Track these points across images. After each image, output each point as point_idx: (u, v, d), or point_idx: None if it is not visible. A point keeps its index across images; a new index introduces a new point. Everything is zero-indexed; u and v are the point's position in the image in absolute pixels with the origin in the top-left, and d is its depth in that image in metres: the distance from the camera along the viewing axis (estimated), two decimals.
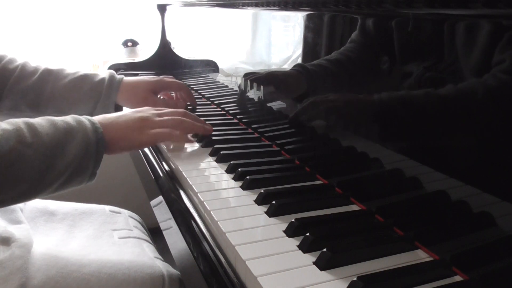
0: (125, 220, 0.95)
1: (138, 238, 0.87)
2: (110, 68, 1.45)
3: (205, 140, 0.80)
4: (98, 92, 0.93)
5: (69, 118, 0.66)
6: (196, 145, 0.81)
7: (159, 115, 0.75)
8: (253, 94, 0.89)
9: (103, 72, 0.97)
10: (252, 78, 0.88)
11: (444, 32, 0.45)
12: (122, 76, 0.97)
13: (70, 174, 0.63)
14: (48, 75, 0.93)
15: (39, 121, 0.63)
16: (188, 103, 1.04)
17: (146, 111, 0.75)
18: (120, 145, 0.70)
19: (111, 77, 0.94)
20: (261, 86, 0.85)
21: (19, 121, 0.61)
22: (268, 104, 0.83)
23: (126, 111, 0.75)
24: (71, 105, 0.92)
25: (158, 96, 0.99)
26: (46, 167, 0.60)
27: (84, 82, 0.93)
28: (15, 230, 0.72)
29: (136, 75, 1.42)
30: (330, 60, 0.64)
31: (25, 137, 0.59)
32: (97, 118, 0.69)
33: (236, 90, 1.00)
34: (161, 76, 1.02)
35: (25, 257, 0.67)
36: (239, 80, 0.97)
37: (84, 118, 0.67)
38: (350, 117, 0.62)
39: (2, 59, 0.93)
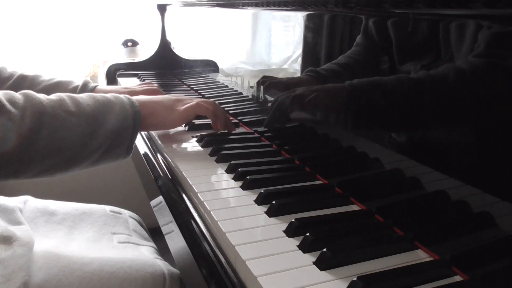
0: (125, 222, 0.94)
1: (137, 244, 0.87)
2: (110, 68, 1.45)
3: (205, 140, 0.80)
4: None
5: (107, 94, 0.72)
6: (196, 145, 0.81)
7: (191, 99, 0.82)
8: (255, 94, 0.89)
9: (78, 80, 1.00)
10: (266, 85, 0.87)
11: (445, 32, 0.45)
12: (97, 84, 1.01)
13: (110, 144, 0.68)
14: (23, 81, 0.95)
15: (80, 95, 0.70)
16: None
17: (179, 95, 0.83)
18: (154, 121, 0.76)
19: (84, 85, 0.98)
20: (261, 87, 0.85)
21: (62, 94, 0.68)
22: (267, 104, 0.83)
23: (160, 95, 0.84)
24: None
25: None
26: (88, 134, 0.65)
27: (57, 89, 0.95)
28: (16, 230, 0.72)
29: (136, 75, 1.42)
30: (339, 64, 0.64)
31: (68, 107, 0.65)
32: (133, 97, 0.74)
33: (236, 90, 1.00)
34: (133, 86, 1.05)
35: (27, 256, 0.67)
36: (239, 80, 0.97)
37: (122, 95, 0.73)
38: (350, 116, 0.62)
39: None
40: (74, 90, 0.96)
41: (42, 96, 0.65)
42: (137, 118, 0.70)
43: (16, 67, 0.98)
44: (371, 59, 0.59)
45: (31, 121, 0.62)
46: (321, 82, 0.68)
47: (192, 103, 0.80)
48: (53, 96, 0.66)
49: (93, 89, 0.97)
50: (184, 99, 0.81)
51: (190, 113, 0.80)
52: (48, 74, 0.99)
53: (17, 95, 0.64)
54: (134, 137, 0.71)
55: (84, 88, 0.97)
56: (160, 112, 0.76)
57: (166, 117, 0.77)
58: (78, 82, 0.99)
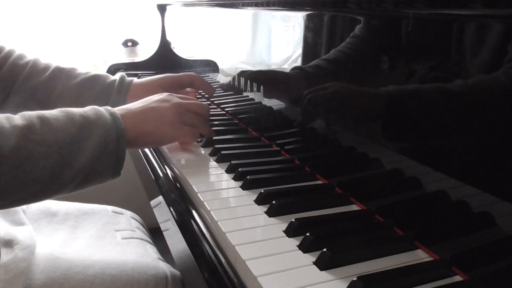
0: (127, 220, 0.94)
1: (141, 239, 0.87)
2: (110, 68, 1.45)
3: (205, 140, 0.80)
4: (108, 94, 0.90)
5: (90, 111, 0.61)
6: (196, 145, 0.81)
7: (187, 108, 0.71)
8: (253, 94, 0.89)
9: (115, 75, 0.94)
10: (251, 75, 0.87)
11: (444, 32, 0.45)
12: (132, 78, 0.94)
13: (89, 173, 0.59)
14: (59, 73, 0.90)
15: (55, 114, 0.59)
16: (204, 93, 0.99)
17: (172, 102, 0.70)
18: (147, 140, 0.67)
19: (122, 79, 0.92)
20: (261, 86, 0.85)
21: (33, 115, 0.57)
22: (268, 104, 0.83)
23: (151, 98, 0.71)
24: (80, 106, 0.88)
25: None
26: (60, 166, 0.56)
27: (95, 83, 0.90)
28: (18, 231, 0.71)
29: (136, 75, 1.42)
30: (328, 60, 0.64)
31: (36, 134, 0.55)
32: (119, 111, 0.65)
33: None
34: (166, 74, 0.96)
35: (29, 259, 0.66)
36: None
37: (105, 111, 0.62)
38: (351, 117, 0.62)
39: (11, 55, 0.90)
40: (112, 84, 0.90)
41: (5, 121, 0.55)
42: (121, 143, 0.61)
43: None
44: (363, 55, 0.59)
45: None
46: (307, 79, 0.68)
47: (195, 133, 0.72)
48: (20, 120, 0.55)
49: (130, 83, 0.91)
50: (183, 113, 0.70)
51: (189, 141, 0.74)
52: (83, 68, 0.95)
53: None
54: (120, 162, 0.61)
55: (122, 82, 0.91)
56: (151, 131, 0.66)
57: (161, 134, 0.67)
58: (115, 76, 0.92)
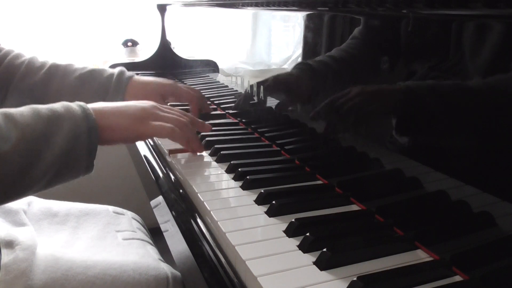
0: (128, 221, 0.94)
1: (142, 240, 0.87)
2: (110, 68, 1.45)
3: (205, 140, 0.80)
4: (106, 89, 0.88)
5: (58, 105, 0.60)
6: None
7: (163, 110, 0.70)
8: (255, 95, 0.89)
9: (115, 68, 0.92)
10: (262, 86, 0.85)
11: (444, 32, 0.45)
12: (133, 73, 0.92)
13: (59, 168, 0.58)
14: (55, 71, 0.89)
15: (21, 110, 0.57)
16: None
17: (149, 103, 0.70)
18: (116, 134, 0.64)
19: (120, 74, 0.89)
20: (261, 86, 0.85)
21: None
22: (268, 104, 0.83)
23: (129, 101, 0.71)
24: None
25: (167, 103, 0.91)
26: (28, 162, 0.55)
27: (92, 79, 0.89)
28: (19, 232, 0.71)
29: (137, 75, 1.42)
30: (333, 57, 0.64)
31: (1, 131, 0.54)
32: (91, 105, 0.64)
33: (236, 91, 1.00)
34: (174, 81, 0.94)
35: (30, 260, 0.66)
36: (239, 80, 0.97)
37: (75, 105, 0.61)
38: (352, 118, 0.62)
39: (8, 54, 0.89)
40: (109, 79, 0.88)
41: None
42: (93, 134, 0.60)
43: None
44: (365, 55, 0.59)
45: None
46: (313, 75, 0.68)
47: (166, 126, 0.68)
48: None
49: (129, 79, 0.89)
50: (155, 113, 0.68)
51: (160, 136, 0.70)
52: (80, 63, 0.93)
53: None
54: (92, 155, 0.60)
55: (120, 77, 0.88)
56: (124, 124, 0.65)
57: (131, 130, 0.65)
58: (113, 70, 0.90)
